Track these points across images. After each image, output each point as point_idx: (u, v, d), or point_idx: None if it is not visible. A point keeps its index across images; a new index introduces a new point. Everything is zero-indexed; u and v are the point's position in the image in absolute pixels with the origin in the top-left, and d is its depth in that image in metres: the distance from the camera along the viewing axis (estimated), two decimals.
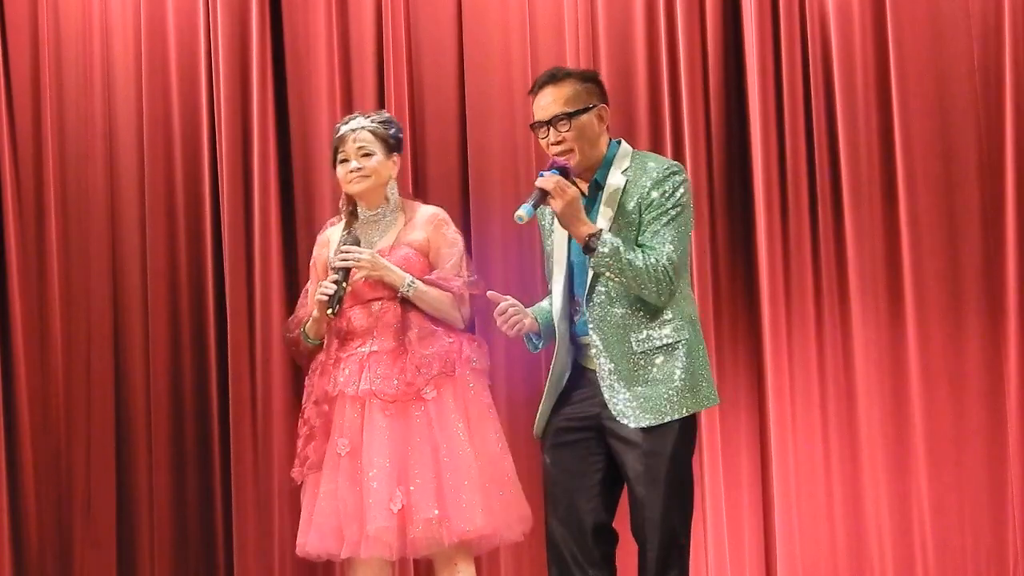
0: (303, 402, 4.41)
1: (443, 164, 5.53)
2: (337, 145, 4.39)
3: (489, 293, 4.04)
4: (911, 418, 5.11)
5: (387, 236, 4.35)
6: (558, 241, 4.05)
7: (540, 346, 4.11)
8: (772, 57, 5.26)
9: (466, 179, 5.51)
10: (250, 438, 5.52)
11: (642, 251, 3.86)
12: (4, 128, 5.66)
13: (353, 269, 4.24)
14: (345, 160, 4.36)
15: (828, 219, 5.22)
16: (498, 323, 3.99)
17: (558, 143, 3.96)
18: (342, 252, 4.26)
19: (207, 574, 5.59)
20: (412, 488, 4.13)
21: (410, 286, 4.24)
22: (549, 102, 3.98)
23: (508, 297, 4.00)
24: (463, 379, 4.27)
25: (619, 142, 4.06)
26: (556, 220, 3.98)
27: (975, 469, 5.07)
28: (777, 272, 5.21)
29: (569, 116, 3.95)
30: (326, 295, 4.22)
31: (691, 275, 5.21)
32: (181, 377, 5.63)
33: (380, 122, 4.40)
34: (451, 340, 4.26)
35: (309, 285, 4.50)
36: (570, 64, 5.33)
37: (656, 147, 5.30)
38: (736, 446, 5.21)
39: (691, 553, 5.20)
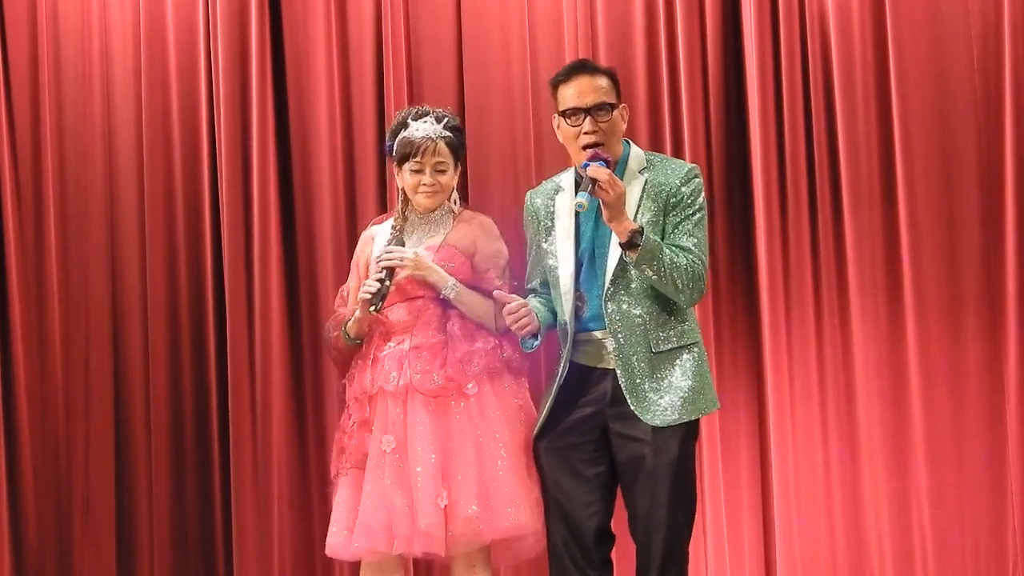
0: (346, 400, 4.38)
1: None
2: (411, 150, 4.31)
3: (495, 293, 4.04)
4: (911, 418, 5.12)
5: (435, 236, 4.34)
6: (562, 238, 4.05)
7: (535, 345, 4.11)
8: (772, 57, 5.26)
9: (465, 178, 5.50)
10: (250, 438, 5.52)
11: (681, 251, 3.87)
12: (3, 127, 5.65)
13: (397, 268, 4.24)
14: (419, 171, 4.31)
15: (828, 219, 5.22)
16: (508, 321, 4.00)
17: (591, 132, 3.96)
18: (386, 251, 4.26)
19: (207, 574, 5.58)
20: (454, 485, 4.13)
21: (453, 288, 4.24)
22: (588, 90, 3.99)
23: (516, 297, 4.00)
24: (501, 378, 4.25)
25: (629, 142, 4.07)
26: (557, 218, 3.98)
27: (975, 469, 5.08)
28: (777, 272, 5.21)
29: (611, 108, 3.97)
30: (369, 293, 4.22)
31: None
32: (180, 377, 5.62)
33: (453, 129, 4.35)
34: (493, 339, 4.26)
35: (349, 284, 4.48)
36: None
37: (655, 147, 5.30)
38: (736, 446, 5.21)
39: (690, 553, 5.24)
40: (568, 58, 5.35)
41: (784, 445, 5.17)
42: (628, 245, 3.84)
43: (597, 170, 3.83)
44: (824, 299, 5.21)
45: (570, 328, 4.00)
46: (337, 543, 4.23)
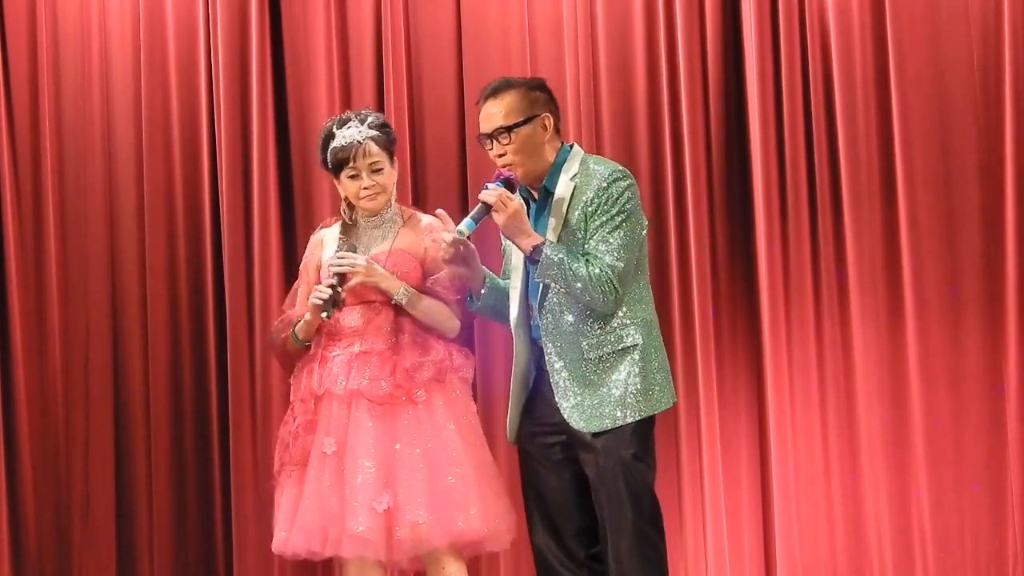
0: (291, 400, 4.39)
1: (442, 163, 5.53)
2: (343, 157, 4.31)
3: (438, 211, 4.06)
4: (911, 418, 5.11)
5: (385, 241, 4.35)
6: (516, 249, 4.07)
7: (476, 304, 4.11)
8: (771, 57, 5.26)
9: (465, 178, 5.51)
10: (250, 438, 5.52)
11: (586, 260, 3.87)
12: (3, 127, 5.66)
13: (348, 275, 4.24)
14: (356, 176, 4.32)
15: (828, 219, 5.22)
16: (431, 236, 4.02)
17: (500, 156, 4.00)
18: (338, 256, 4.26)
19: (206, 574, 5.59)
20: (400, 490, 4.13)
21: (404, 294, 4.25)
22: (490, 115, 4.01)
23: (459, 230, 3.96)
24: (451, 387, 4.27)
25: (571, 147, 4.07)
26: None
27: (975, 469, 5.08)
28: (777, 272, 5.21)
29: (508, 129, 3.98)
30: (320, 299, 4.22)
31: (689, 275, 5.24)
32: (180, 377, 5.63)
33: (379, 127, 4.35)
34: (443, 348, 4.28)
35: (299, 286, 4.48)
36: (569, 64, 5.35)
37: (656, 147, 5.31)
38: (736, 446, 5.21)
39: (691, 553, 5.24)
40: (568, 59, 5.36)
41: (784, 445, 5.17)
42: (530, 260, 3.88)
43: (486, 193, 3.88)
44: (824, 299, 5.21)
45: (516, 335, 4.03)
46: (278, 541, 4.25)
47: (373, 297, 4.28)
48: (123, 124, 5.72)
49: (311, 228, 5.53)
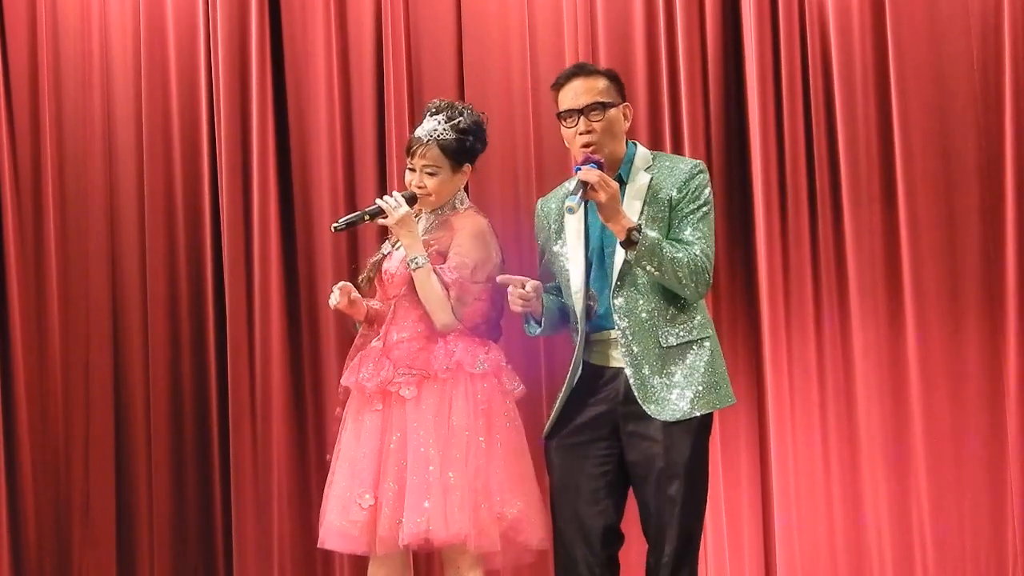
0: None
1: None
2: (409, 147, 4.28)
3: (500, 278, 4.06)
4: (910, 418, 5.11)
5: (420, 227, 4.32)
6: (572, 240, 4.07)
7: (537, 332, 4.12)
8: (771, 56, 5.26)
9: None
10: (250, 438, 5.52)
11: (682, 245, 3.90)
12: (3, 128, 5.66)
13: (385, 212, 4.19)
14: (411, 170, 4.27)
15: (827, 219, 5.21)
16: (510, 295, 3.99)
17: (587, 132, 4.00)
18: (392, 195, 4.22)
19: (207, 574, 5.59)
20: (383, 486, 4.14)
21: (418, 261, 4.17)
22: (581, 92, 4.03)
23: (524, 280, 3.98)
24: (451, 383, 4.19)
25: (635, 144, 4.10)
26: (566, 219, 4.01)
27: (975, 469, 5.07)
28: (776, 272, 5.21)
29: (604, 106, 4.01)
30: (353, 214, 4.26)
31: None
32: (180, 377, 5.63)
33: (457, 132, 4.25)
34: (438, 343, 4.22)
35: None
36: (569, 64, 5.31)
37: (655, 147, 5.29)
38: (736, 446, 5.21)
39: None
40: (568, 58, 5.35)
41: (784, 445, 5.17)
42: (627, 243, 3.87)
43: (587, 172, 3.86)
44: (824, 299, 5.21)
45: (581, 327, 4.01)
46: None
47: (391, 292, 4.28)
48: (123, 124, 5.73)
49: (310, 227, 5.58)
